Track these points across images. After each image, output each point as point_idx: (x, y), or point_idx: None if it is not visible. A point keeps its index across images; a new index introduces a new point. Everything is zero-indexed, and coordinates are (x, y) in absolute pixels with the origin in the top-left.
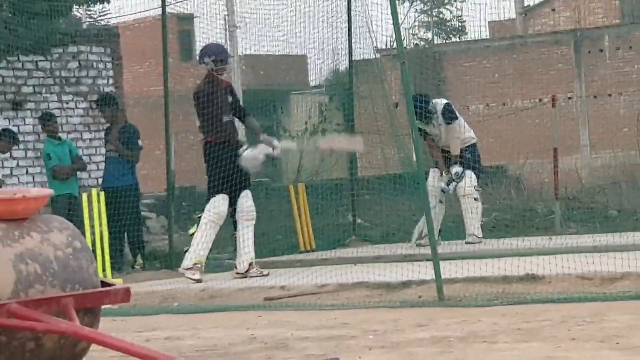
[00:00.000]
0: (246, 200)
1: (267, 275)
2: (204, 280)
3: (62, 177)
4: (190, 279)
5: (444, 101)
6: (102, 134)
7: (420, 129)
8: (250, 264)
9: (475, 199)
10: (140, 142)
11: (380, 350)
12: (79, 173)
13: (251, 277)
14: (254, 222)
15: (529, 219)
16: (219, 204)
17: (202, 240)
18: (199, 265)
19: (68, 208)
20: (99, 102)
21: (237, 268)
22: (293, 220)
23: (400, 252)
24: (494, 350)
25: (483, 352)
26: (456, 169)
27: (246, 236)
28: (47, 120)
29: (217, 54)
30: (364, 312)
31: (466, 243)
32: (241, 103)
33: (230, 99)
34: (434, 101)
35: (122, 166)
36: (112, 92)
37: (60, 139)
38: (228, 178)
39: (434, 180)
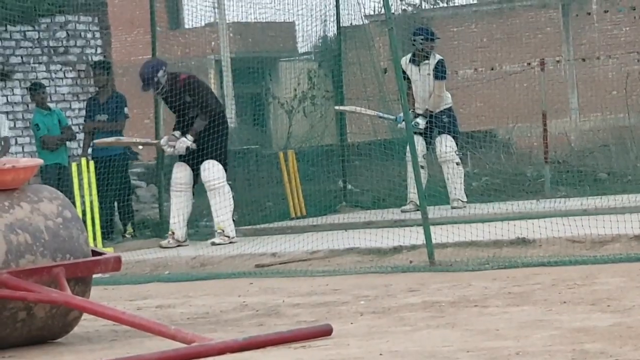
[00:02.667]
0: (203, 170)
1: (234, 241)
2: (189, 246)
3: (51, 147)
4: (165, 247)
5: (439, 56)
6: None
7: (404, 73)
8: (217, 232)
9: (457, 163)
10: (126, 110)
11: (372, 315)
12: (68, 142)
13: (213, 244)
14: (218, 190)
15: (518, 182)
16: (174, 171)
17: (171, 212)
18: (171, 232)
19: (57, 177)
20: (96, 66)
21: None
22: (283, 187)
23: (390, 217)
24: (484, 314)
25: (474, 316)
26: (419, 120)
27: (211, 204)
28: (35, 90)
29: (143, 77)
30: (355, 277)
31: (452, 208)
32: (203, 98)
33: (187, 99)
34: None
35: (110, 135)
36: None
37: (49, 108)
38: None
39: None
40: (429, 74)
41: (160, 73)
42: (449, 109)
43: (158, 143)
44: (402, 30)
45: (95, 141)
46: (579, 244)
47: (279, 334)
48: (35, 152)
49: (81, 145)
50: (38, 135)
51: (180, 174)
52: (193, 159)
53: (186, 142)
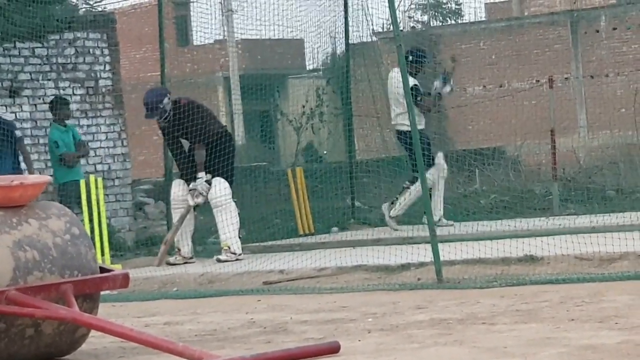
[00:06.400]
0: (211, 188)
1: (241, 258)
2: (197, 263)
3: (70, 164)
4: (172, 263)
5: (413, 81)
6: (99, 120)
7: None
8: (224, 249)
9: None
10: (18, 133)
11: (379, 332)
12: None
13: (219, 261)
14: (224, 208)
15: (526, 200)
16: (172, 189)
17: (174, 227)
18: (177, 249)
19: (75, 194)
20: (54, 103)
21: None
22: (291, 204)
23: (398, 235)
24: (492, 331)
25: (482, 333)
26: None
27: (217, 221)
28: (61, 104)
29: (147, 106)
30: (363, 294)
31: (440, 226)
32: (198, 123)
33: (188, 124)
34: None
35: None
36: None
37: (65, 125)
38: (185, 168)
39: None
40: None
41: (165, 100)
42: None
43: (189, 207)
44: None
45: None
46: (587, 261)
47: (286, 351)
48: (47, 168)
49: (89, 161)
50: (58, 152)
51: (180, 191)
52: (195, 174)
53: (202, 181)
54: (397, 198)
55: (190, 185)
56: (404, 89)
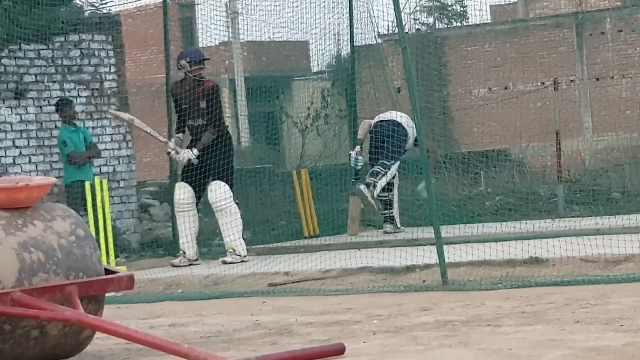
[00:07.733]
0: (210, 192)
1: (246, 260)
2: (202, 265)
3: (78, 163)
4: (177, 266)
5: None
6: (104, 122)
7: None
8: (229, 251)
9: None
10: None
11: (385, 334)
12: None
13: (225, 263)
14: (226, 211)
15: (532, 202)
16: (176, 192)
17: (180, 231)
18: (182, 252)
19: (81, 195)
20: (58, 105)
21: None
22: (297, 206)
23: (403, 237)
24: (498, 333)
25: (487, 335)
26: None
27: (220, 225)
28: (64, 105)
29: (191, 56)
30: (368, 296)
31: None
32: (218, 110)
33: (203, 105)
34: None
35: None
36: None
37: (75, 125)
38: (188, 173)
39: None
40: None
41: (207, 63)
42: None
43: (167, 143)
44: (416, 50)
45: (110, 111)
46: (592, 263)
47: (292, 353)
48: (54, 170)
49: (94, 163)
50: (66, 151)
51: (183, 194)
52: (197, 177)
53: (191, 154)
54: (387, 210)
55: (179, 136)
56: (410, 87)
